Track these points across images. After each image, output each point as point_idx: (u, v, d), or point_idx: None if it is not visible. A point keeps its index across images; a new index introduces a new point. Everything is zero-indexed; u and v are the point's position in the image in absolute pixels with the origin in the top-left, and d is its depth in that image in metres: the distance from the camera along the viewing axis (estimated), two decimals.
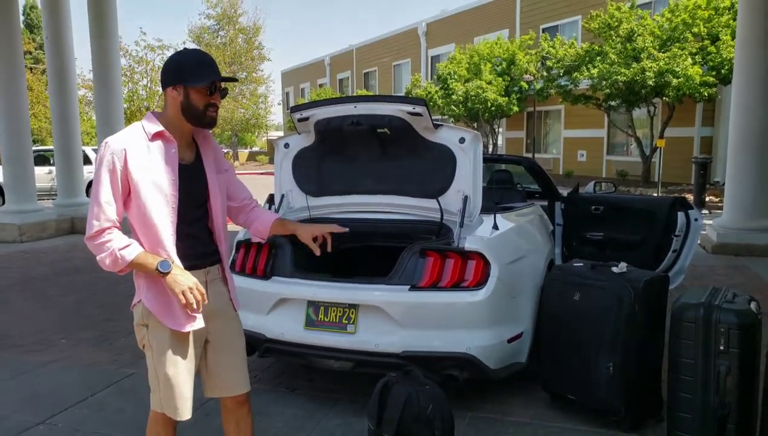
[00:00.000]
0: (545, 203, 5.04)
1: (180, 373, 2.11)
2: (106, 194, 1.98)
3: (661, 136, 14.51)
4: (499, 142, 24.03)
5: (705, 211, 10.95)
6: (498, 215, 3.36)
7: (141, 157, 2.02)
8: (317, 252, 2.43)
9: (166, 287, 2.02)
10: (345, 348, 3.07)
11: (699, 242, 8.01)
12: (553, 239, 4.34)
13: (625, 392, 2.86)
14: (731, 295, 2.60)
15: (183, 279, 2.01)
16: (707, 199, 11.69)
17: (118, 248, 1.97)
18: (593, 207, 4.80)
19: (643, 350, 2.87)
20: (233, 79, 2.29)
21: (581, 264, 3.20)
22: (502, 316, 3.08)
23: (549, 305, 3.14)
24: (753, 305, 2.54)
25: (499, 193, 4.97)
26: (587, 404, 3.03)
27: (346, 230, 2.50)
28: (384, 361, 2.96)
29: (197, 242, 2.17)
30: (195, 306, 2.01)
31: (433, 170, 3.35)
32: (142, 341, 2.15)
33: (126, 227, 2.05)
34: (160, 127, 2.06)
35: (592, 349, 2.92)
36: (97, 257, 1.99)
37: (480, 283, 2.99)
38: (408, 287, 3.00)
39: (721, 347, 2.44)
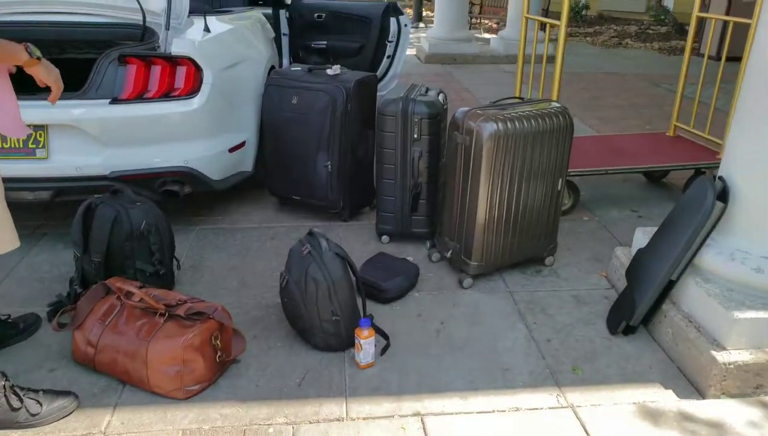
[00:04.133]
0: (270, 12, 4.81)
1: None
2: None
3: None
4: None
5: (422, 25, 11.78)
6: (211, 17, 3.09)
7: None
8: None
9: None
10: (39, 176, 2.70)
11: (415, 53, 8.70)
12: (275, 46, 4.21)
13: (342, 187, 3.09)
14: (425, 89, 2.87)
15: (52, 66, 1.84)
16: (425, 13, 12.51)
17: None
18: (316, 15, 4.73)
19: (356, 147, 3.08)
20: None
21: (299, 68, 3.18)
22: (221, 125, 2.98)
23: (268, 110, 3.12)
24: (441, 97, 2.85)
25: None
26: (311, 202, 3.21)
27: None
28: (90, 185, 2.69)
29: None
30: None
31: None
32: None
33: None
34: None
35: (312, 150, 3.04)
36: None
37: (192, 91, 2.79)
38: (108, 100, 2.66)
39: (415, 135, 2.73)
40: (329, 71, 3.08)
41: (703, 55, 3.59)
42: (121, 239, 2.38)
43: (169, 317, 2.06)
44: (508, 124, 2.34)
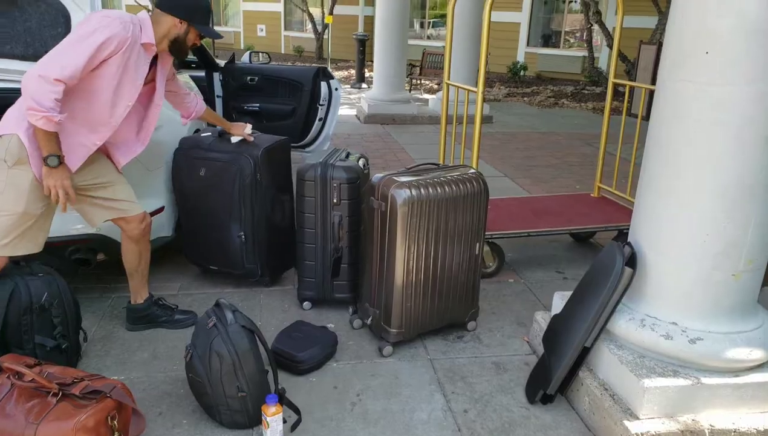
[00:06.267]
0: (203, 74, 4.82)
1: (37, 211, 2.22)
2: (84, 58, 2.05)
3: (331, 13, 15.14)
4: None
5: (364, 85, 12.05)
6: None
7: (126, 55, 2.17)
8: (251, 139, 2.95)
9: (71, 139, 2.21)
10: None
11: (355, 113, 8.84)
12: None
13: (259, 255, 3.01)
14: (345, 154, 2.88)
15: (62, 177, 2.14)
16: (367, 74, 12.83)
17: (54, 116, 2.01)
18: (248, 78, 4.76)
19: (272, 214, 3.01)
20: (219, 36, 2.60)
21: (209, 133, 3.09)
22: (137, 190, 2.87)
23: (178, 178, 3.03)
24: (361, 162, 2.86)
25: None
26: (228, 271, 3.11)
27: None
28: None
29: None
30: (58, 202, 2.17)
31: (41, 29, 2.81)
32: None
33: None
34: (152, 42, 2.28)
35: (224, 221, 2.96)
36: (34, 97, 1.98)
37: None
38: None
39: (335, 200, 2.72)
40: (233, 139, 3.00)
41: (635, 115, 3.74)
42: (18, 312, 2.24)
43: (63, 397, 1.92)
44: (422, 190, 2.36)
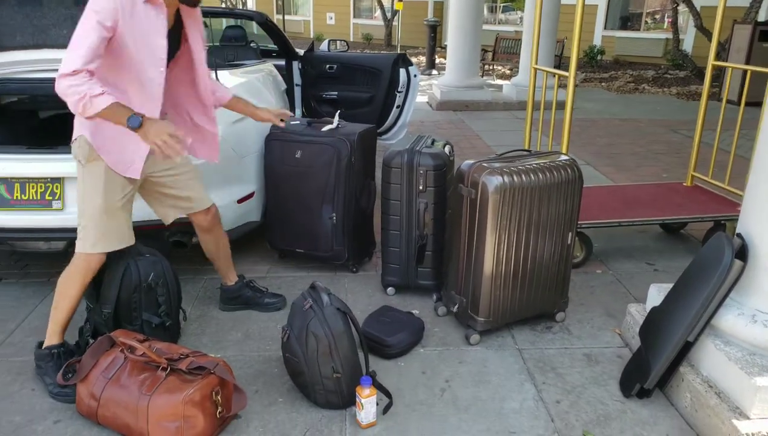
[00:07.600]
0: (283, 63, 4.92)
1: (117, 203, 2.26)
2: (94, 40, 1.96)
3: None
4: (249, 3, 22.68)
5: (435, 72, 11.95)
6: (223, 72, 3.15)
7: (127, 21, 2.01)
8: (281, 124, 2.79)
9: (126, 134, 2.04)
10: (54, 227, 2.74)
11: (427, 100, 8.79)
12: (286, 97, 4.28)
13: (346, 238, 3.07)
14: (431, 141, 2.87)
15: (157, 127, 2.00)
16: (437, 60, 12.70)
17: (91, 94, 1.93)
18: (327, 66, 4.81)
19: (359, 198, 3.08)
20: None
21: (298, 121, 3.20)
22: (229, 177, 3.00)
23: (271, 163, 3.13)
24: (447, 149, 2.84)
25: (232, 50, 4.70)
26: (314, 254, 3.19)
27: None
28: None
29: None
30: (173, 153, 2.01)
31: None
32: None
33: None
34: None
35: (316, 202, 3.04)
36: (66, 94, 1.93)
37: None
38: None
39: (420, 187, 2.72)
40: (327, 127, 3.09)
41: (728, 101, 3.51)
42: (129, 290, 2.38)
43: (171, 372, 2.03)
44: (515, 177, 2.32)
